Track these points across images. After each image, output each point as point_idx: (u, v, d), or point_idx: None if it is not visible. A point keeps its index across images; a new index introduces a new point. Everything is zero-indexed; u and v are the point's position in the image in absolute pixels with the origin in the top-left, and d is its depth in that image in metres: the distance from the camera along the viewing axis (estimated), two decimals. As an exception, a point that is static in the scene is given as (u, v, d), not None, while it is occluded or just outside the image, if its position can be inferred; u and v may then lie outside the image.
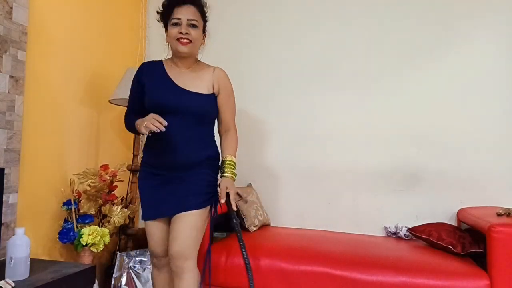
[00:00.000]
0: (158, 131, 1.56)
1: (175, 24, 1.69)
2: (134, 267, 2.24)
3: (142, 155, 1.85)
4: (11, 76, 1.87)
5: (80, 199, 2.19)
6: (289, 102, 2.77)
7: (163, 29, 1.79)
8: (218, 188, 1.75)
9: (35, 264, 1.72)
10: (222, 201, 1.69)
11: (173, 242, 1.67)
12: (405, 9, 2.60)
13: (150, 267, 2.23)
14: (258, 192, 2.72)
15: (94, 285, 1.81)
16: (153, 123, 1.56)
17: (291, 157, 2.75)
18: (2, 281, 1.46)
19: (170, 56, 1.82)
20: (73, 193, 2.17)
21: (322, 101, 2.70)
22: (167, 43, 1.78)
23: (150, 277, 2.21)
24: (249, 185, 2.73)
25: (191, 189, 1.71)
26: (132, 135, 2.76)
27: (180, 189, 1.70)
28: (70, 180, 2.20)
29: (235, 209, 1.71)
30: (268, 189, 2.76)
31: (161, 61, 1.82)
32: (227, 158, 1.77)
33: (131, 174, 2.55)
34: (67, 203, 2.14)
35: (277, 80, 2.80)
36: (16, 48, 1.89)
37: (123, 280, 2.22)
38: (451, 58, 2.51)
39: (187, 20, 1.68)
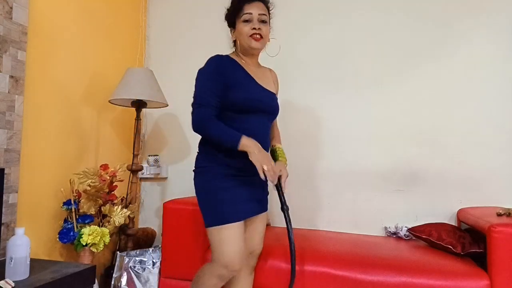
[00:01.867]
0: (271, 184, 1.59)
1: (247, 21, 1.64)
2: (134, 267, 2.24)
3: (211, 155, 1.66)
4: (11, 76, 1.87)
5: (80, 199, 2.19)
6: (289, 102, 2.76)
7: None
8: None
9: (35, 264, 1.72)
10: (274, 182, 1.59)
11: (261, 240, 1.81)
12: (405, 9, 2.60)
13: (150, 267, 2.23)
14: (258, 192, 2.72)
15: (94, 285, 1.81)
16: (272, 175, 1.53)
17: (291, 157, 2.74)
18: (2, 281, 1.46)
19: (232, 52, 1.77)
20: (73, 193, 2.17)
21: (322, 101, 2.70)
22: (235, 41, 1.72)
23: (149, 277, 2.21)
24: (249, 185, 2.73)
25: (265, 189, 1.83)
26: (131, 135, 2.76)
27: (262, 189, 1.79)
28: (70, 180, 2.20)
29: (285, 191, 1.68)
30: (268, 189, 2.75)
31: (228, 56, 1.71)
32: (278, 146, 1.83)
33: (131, 174, 2.55)
34: (67, 203, 2.14)
35: (277, 80, 2.80)
36: (16, 48, 1.89)
37: (123, 280, 2.22)
38: (452, 58, 2.51)
39: (258, 15, 1.65)
